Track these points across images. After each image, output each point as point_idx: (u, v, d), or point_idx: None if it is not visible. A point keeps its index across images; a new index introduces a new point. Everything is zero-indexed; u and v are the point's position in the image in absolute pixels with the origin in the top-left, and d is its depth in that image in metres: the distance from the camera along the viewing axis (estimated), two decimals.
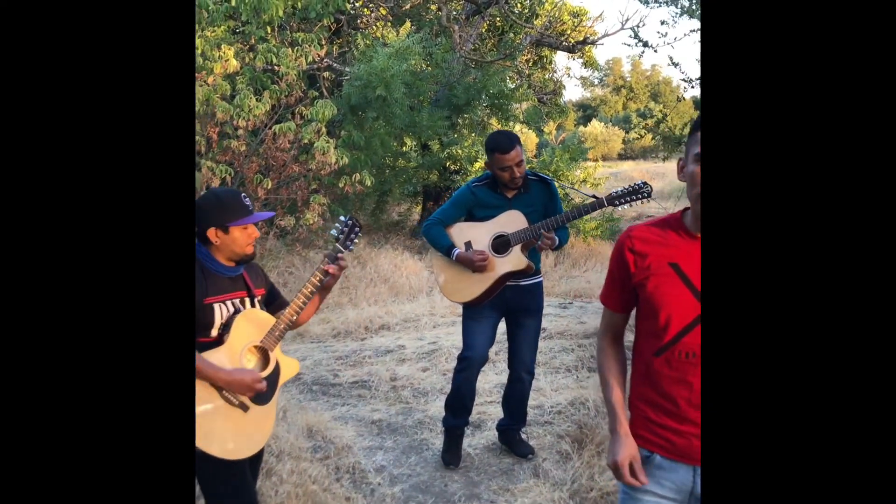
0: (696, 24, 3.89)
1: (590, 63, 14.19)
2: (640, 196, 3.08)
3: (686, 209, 1.65)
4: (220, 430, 2.21)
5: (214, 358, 2.20)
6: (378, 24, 10.50)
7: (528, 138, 19.64)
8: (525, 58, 12.34)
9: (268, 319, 2.35)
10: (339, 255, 2.42)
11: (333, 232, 2.48)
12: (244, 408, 2.27)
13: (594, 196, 3.20)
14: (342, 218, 2.50)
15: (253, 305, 2.38)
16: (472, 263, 3.22)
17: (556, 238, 3.15)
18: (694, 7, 4.18)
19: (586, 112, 45.82)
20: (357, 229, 2.49)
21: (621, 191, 3.12)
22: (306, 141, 7.04)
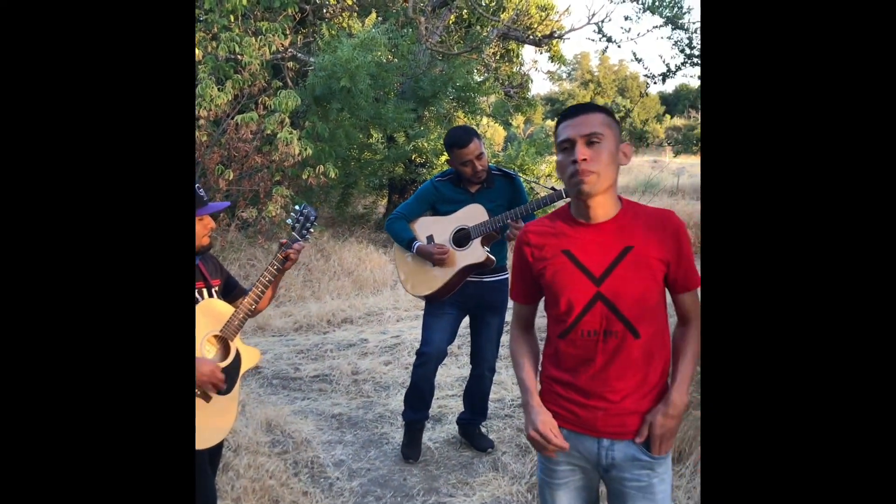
0: (658, 20, 3.96)
1: (557, 57, 14.19)
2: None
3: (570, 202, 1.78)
4: None
5: None
6: (344, 14, 10.39)
7: (496, 132, 19.67)
8: (492, 51, 12.32)
9: (226, 309, 2.34)
10: (296, 243, 2.41)
11: (289, 221, 2.47)
12: (206, 398, 2.25)
13: (552, 188, 3.21)
14: (297, 207, 2.49)
15: (210, 295, 2.35)
16: (431, 256, 3.21)
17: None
18: (656, 3, 4.21)
19: (554, 106, 46.00)
20: (313, 218, 2.48)
21: None
22: (269, 132, 6.95)
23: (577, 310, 1.68)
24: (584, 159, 1.61)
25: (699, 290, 1.72)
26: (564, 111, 1.70)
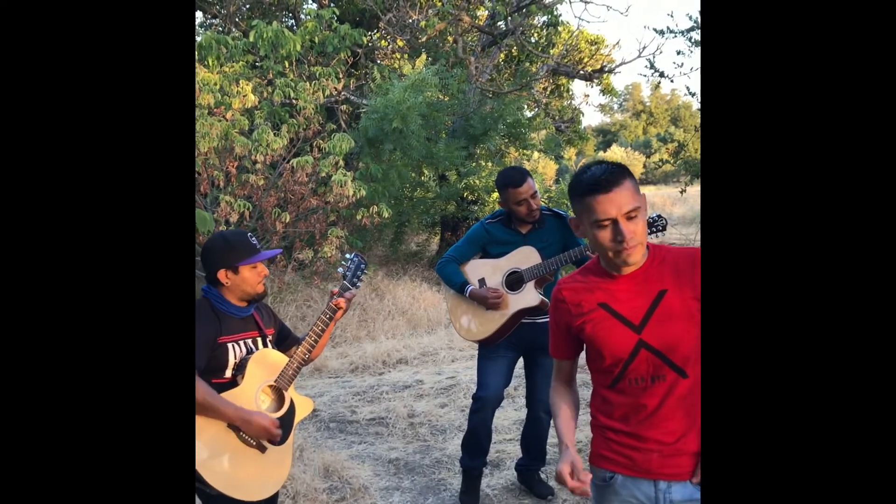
0: None
1: (608, 90, 14.17)
2: (654, 229, 3.02)
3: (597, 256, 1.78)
4: (238, 472, 2.20)
5: (230, 399, 2.20)
6: (395, 56, 10.58)
7: (547, 166, 19.65)
8: (542, 86, 12.36)
9: (280, 359, 2.36)
10: (347, 291, 2.43)
11: (340, 269, 2.49)
12: (262, 448, 2.26)
13: None
14: (348, 256, 2.51)
15: (265, 345, 2.38)
16: (485, 300, 3.18)
17: None
18: None
19: (606, 137, 45.85)
20: (363, 266, 2.49)
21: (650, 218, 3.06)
22: (324, 174, 7.06)
23: (623, 360, 1.69)
24: (631, 236, 1.62)
25: None
26: (590, 182, 1.64)
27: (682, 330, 1.66)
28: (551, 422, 3.44)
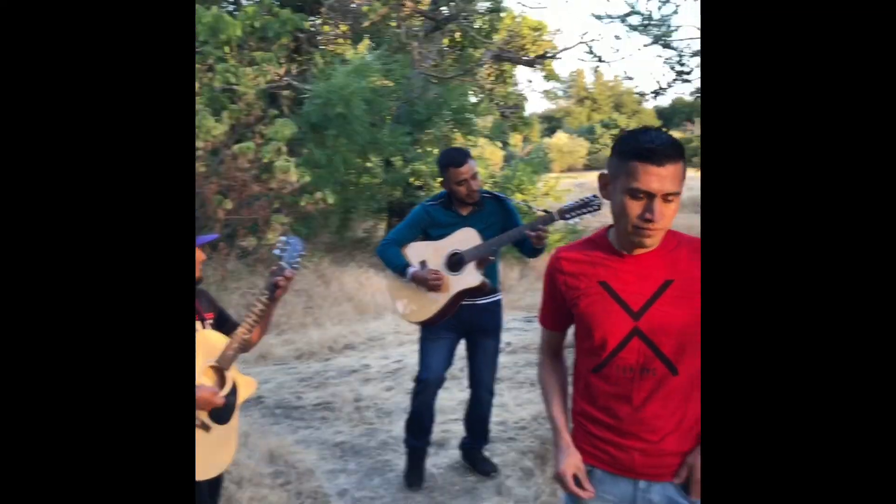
0: (647, 39, 4.03)
1: (551, 76, 14.33)
2: (589, 209, 3.06)
3: (610, 226, 1.65)
4: None
5: None
6: (337, 41, 10.50)
7: (494, 153, 19.75)
8: (486, 72, 12.42)
9: (220, 340, 2.34)
10: (284, 271, 2.40)
11: (276, 251, 2.46)
12: (206, 428, 2.25)
13: (546, 210, 3.20)
14: (282, 238, 2.48)
15: (204, 328, 2.36)
16: (426, 282, 3.21)
17: (545, 234, 3.10)
18: (646, 23, 4.27)
19: (551, 123, 46.21)
20: (299, 247, 2.46)
21: (572, 204, 3.12)
22: (267, 160, 7.00)
23: (612, 345, 1.59)
24: (660, 219, 1.49)
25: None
26: (647, 147, 1.47)
27: (683, 323, 1.55)
28: (496, 399, 3.52)
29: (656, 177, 1.46)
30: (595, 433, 1.65)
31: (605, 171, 1.60)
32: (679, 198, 1.52)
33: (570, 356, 1.80)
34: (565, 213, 3.08)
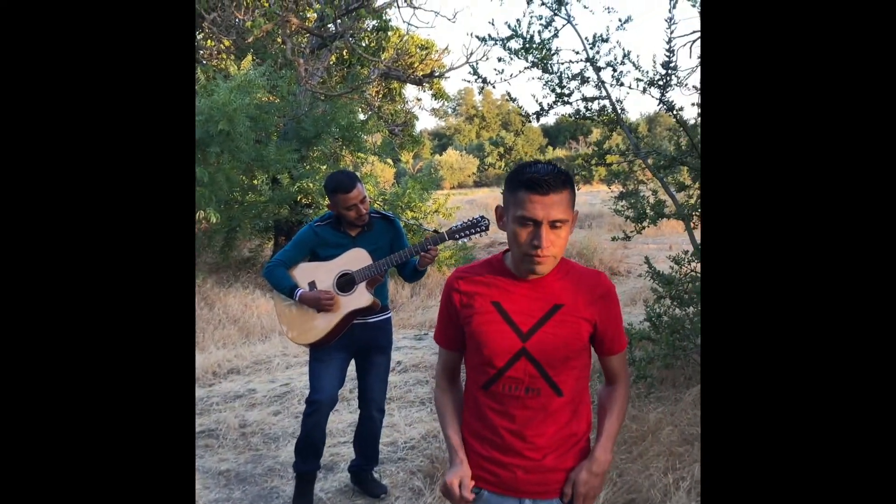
0: (525, 63, 4.18)
1: (440, 94, 14.49)
2: (477, 230, 3.15)
3: (506, 251, 1.73)
4: None
5: None
6: (220, 56, 10.22)
7: (384, 170, 19.76)
8: (374, 90, 12.43)
9: None
10: None
11: None
12: None
13: (435, 231, 3.25)
14: None
15: None
16: (317, 302, 3.16)
17: (436, 254, 3.16)
18: (527, 46, 4.39)
19: (441, 141, 46.80)
20: None
21: (460, 225, 3.18)
22: None
23: (500, 363, 1.65)
24: (548, 246, 1.57)
25: (626, 351, 1.76)
26: (531, 178, 1.57)
27: (568, 347, 1.63)
28: (386, 418, 3.49)
29: (541, 205, 1.55)
30: (481, 452, 1.70)
31: (500, 205, 1.70)
32: (567, 226, 1.60)
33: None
34: (455, 233, 3.14)
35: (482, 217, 3.21)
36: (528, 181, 1.57)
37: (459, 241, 3.20)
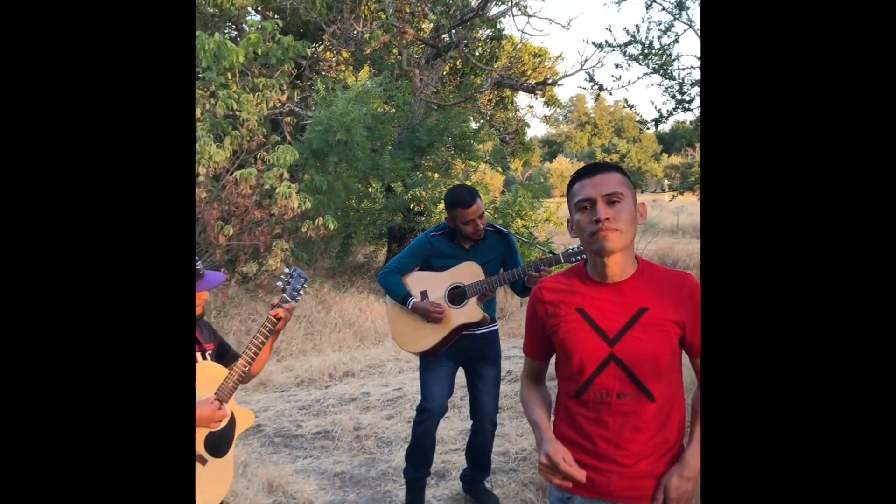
0: (644, 69, 4.08)
1: (552, 102, 14.39)
2: (576, 259, 3.11)
3: (587, 260, 1.76)
4: None
5: None
6: (339, 68, 10.57)
7: (494, 178, 19.81)
8: (487, 99, 12.49)
9: (219, 372, 2.35)
10: (286, 303, 2.42)
11: (279, 283, 2.49)
12: (202, 461, 2.24)
13: (551, 252, 3.23)
14: (287, 269, 2.51)
15: (204, 359, 2.36)
16: (427, 314, 3.20)
17: (548, 275, 3.16)
18: (646, 52, 4.30)
19: (552, 148, 46.47)
20: (303, 279, 2.50)
21: (576, 249, 3.15)
22: (268, 186, 7.01)
23: (590, 370, 1.65)
24: (608, 218, 1.59)
25: None
26: (580, 170, 1.67)
27: (657, 350, 1.62)
28: (497, 431, 3.50)
29: (591, 186, 1.63)
30: (575, 458, 1.67)
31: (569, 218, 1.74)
32: (627, 202, 1.63)
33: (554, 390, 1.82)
34: (570, 256, 3.12)
35: (580, 247, 3.16)
36: (577, 173, 1.68)
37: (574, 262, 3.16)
